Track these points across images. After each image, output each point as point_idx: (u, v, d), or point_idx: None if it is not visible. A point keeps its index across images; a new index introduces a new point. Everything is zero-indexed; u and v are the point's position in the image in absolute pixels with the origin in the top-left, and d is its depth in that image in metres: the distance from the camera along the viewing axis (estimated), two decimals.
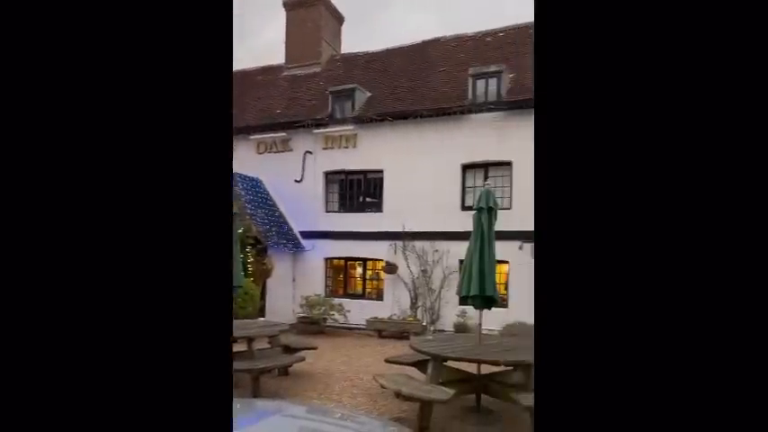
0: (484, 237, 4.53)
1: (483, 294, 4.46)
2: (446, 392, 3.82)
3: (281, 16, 13.78)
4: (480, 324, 4.98)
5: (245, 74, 14.61)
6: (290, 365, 5.82)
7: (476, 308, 4.73)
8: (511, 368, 4.42)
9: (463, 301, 4.83)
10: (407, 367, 5.19)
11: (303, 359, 5.70)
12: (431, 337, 6.06)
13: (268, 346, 5.98)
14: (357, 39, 13.55)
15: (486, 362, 4.28)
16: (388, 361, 5.52)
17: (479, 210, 4.64)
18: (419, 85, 10.80)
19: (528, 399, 3.67)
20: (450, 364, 4.52)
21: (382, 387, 4.79)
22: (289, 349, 6.06)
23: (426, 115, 9.72)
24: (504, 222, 9.78)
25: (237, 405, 1.89)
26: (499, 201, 5.01)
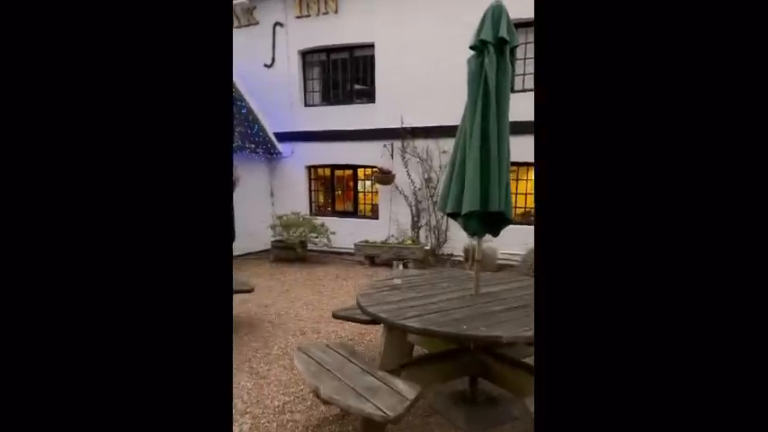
0: (487, 107, 2.40)
1: (486, 209, 2.48)
2: (404, 394, 2.13)
3: None
4: (474, 258, 3.11)
5: None
6: None
7: (471, 234, 2.74)
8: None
9: (453, 217, 2.79)
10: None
11: None
12: (398, 281, 3.45)
13: None
14: None
15: (478, 339, 2.30)
16: (336, 316, 3.84)
17: (481, 49, 2.40)
18: None
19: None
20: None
21: (299, 374, 3.30)
22: None
23: None
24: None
25: None
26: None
